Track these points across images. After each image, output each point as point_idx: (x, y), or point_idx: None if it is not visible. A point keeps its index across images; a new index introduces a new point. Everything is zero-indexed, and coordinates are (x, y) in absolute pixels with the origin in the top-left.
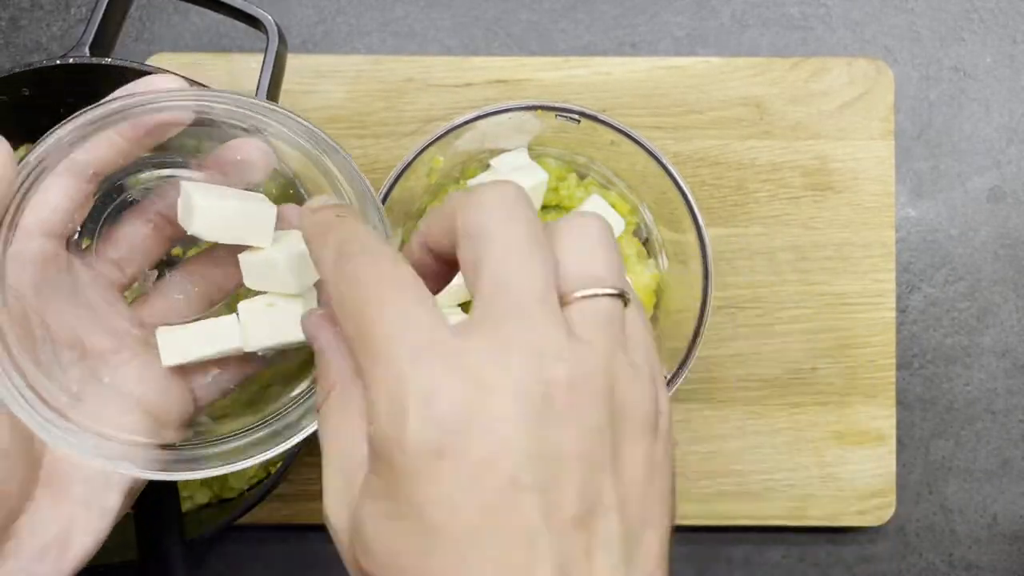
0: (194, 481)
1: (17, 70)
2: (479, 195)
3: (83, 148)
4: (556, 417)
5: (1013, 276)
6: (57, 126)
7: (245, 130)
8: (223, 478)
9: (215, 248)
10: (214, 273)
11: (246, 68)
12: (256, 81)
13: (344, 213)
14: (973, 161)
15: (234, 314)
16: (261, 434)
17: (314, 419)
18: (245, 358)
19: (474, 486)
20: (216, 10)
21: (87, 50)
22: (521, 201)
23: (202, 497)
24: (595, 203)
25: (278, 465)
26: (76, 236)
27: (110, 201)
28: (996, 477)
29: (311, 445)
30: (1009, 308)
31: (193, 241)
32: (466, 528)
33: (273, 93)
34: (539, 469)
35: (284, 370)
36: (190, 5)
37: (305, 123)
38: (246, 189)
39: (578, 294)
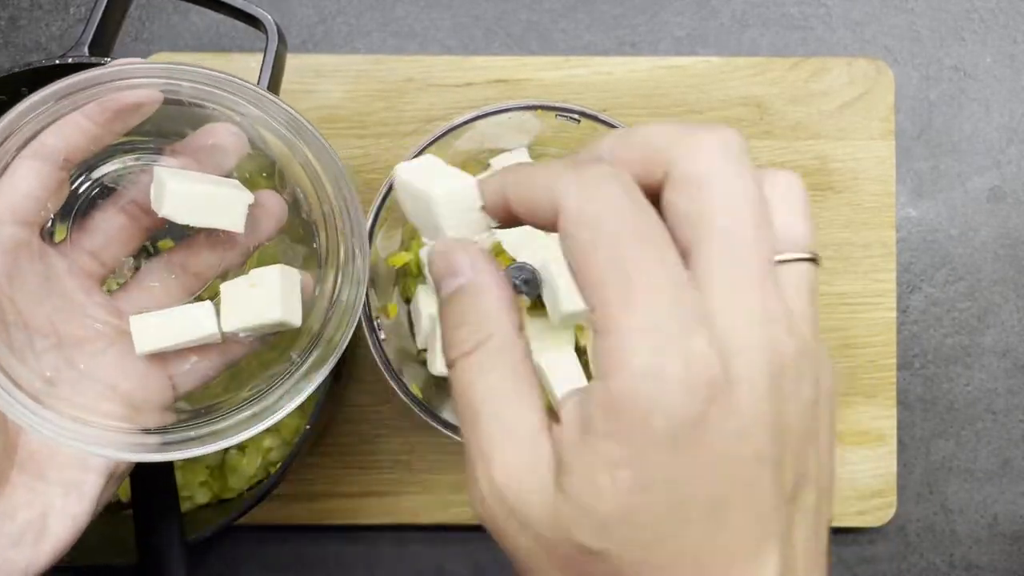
0: (194, 481)
1: (16, 70)
2: (701, 138)
3: (52, 133)
4: (786, 390)
5: (1013, 276)
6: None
7: (226, 112)
8: (223, 478)
9: (195, 238)
10: (194, 263)
11: (246, 68)
12: (256, 81)
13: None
14: (973, 161)
15: (208, 300)
16: (240, 416)
17: (292, 400)
18: (225, 345)
19: (728, 458)
20: (216, 10)
21: (86, 50)
22: (746, 153)
23: (202, 497)
24: None
25: (278, 465)
26: (50, 225)
27: (85, 190)
28: (997, 477)
29: (309, 445)
30: (1009, 308)
31: (180, 233)
32: (714, 501)
33: (273, 93)
34: (775, 442)
35: (261, 354)
36: (190, 5)
37: (272, 98)
38: (222, 175)
39: (783, 257)
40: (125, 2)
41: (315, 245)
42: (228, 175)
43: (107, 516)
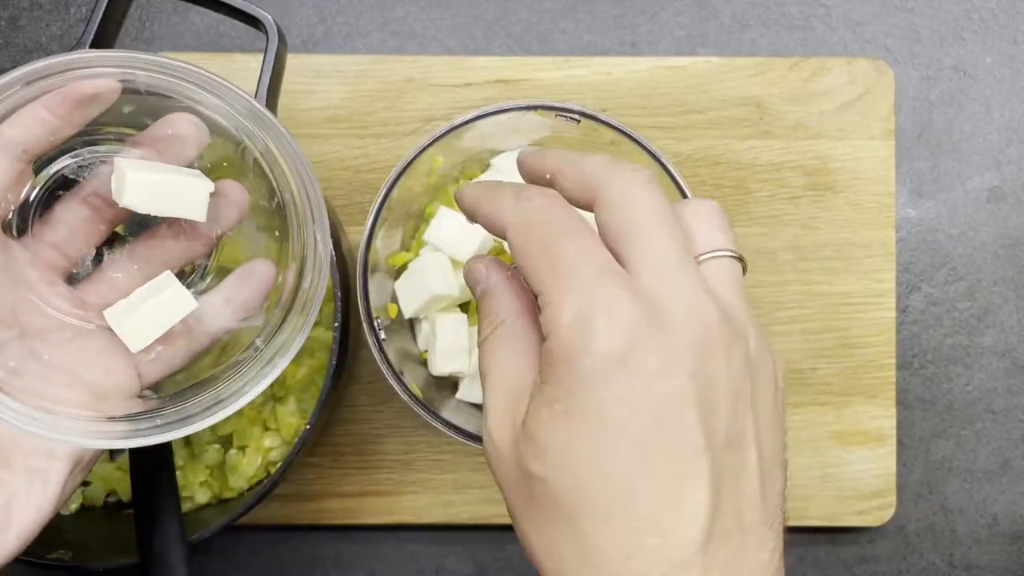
0: (194, 481)
1: None
2: (624, 170)
3: (11, 124)
4: (711, 350)
5: (1013, 276)
6: None
7: (186, 101)
8: (223, 478)
9: (158, 228)
10: (157, 253)
11: (246, 68)
12: (256, 81)
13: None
14: (973, 161)
15: (174, 279)
16: (206, 403)
17: (256, 386)
18: (190, 334)
19: (650, 392)
20: (216, 10)
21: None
22: (656, 183)
23: (202, 497)
24: None
25: (278, 465)
26: (11, 216)
27: (46, 182)
28: (996, 477)
29: (309, 445)
30: (1009, 308)
31: (143, 226)
32: (641, 433)
33: (273, 93)
34: (700, 390)
35: (225, 342)
36: (190, 5)
37: (231, 87)
38: (183, 165)
39: (707, 255)
40: (125, 2)
41: (278, 233)
42: (190, 165)
43: (107, 516)
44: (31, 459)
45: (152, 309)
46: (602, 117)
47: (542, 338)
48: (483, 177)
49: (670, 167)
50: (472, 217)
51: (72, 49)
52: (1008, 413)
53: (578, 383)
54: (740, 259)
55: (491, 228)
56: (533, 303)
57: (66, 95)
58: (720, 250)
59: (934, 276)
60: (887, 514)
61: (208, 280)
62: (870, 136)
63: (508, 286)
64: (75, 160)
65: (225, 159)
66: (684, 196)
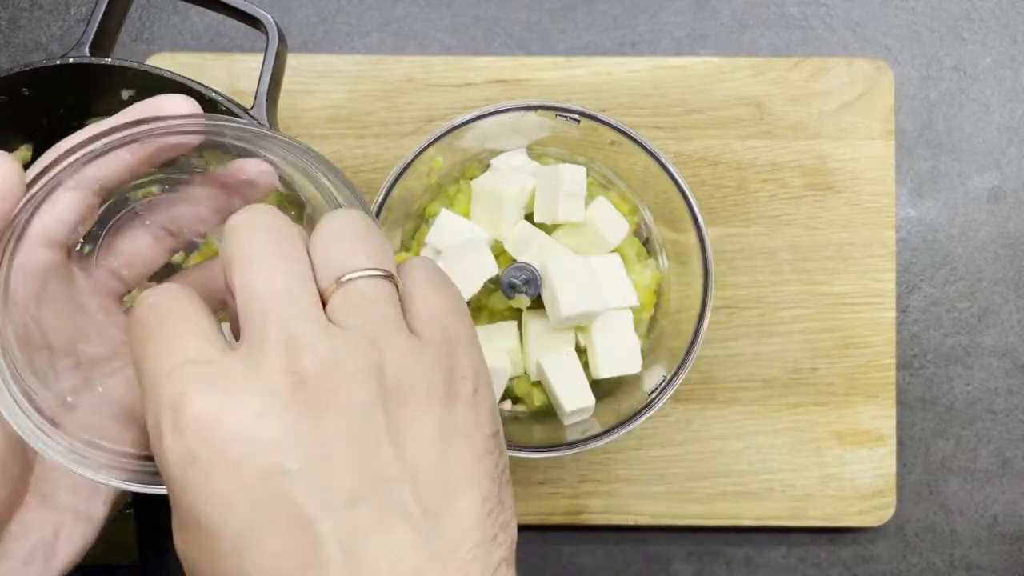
0: None
1: (17, 70)
2: (229, 223)
3: (93, 164)
4: (311, 404)
5: (1013, 276)
6: (69, 145)
7: (259, 151)
8: None
9: (213, 260)
10: (210, 283)
11: (246, 68)
12: (256, 81)
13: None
14: (973, 161)
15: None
16: None
17: None
18: None
19: (236, 483)
20: (216, 10)
21: (87, 50)
22: (262, 214)
23: None
24: (601, 205)
25: None
26: (79, 248)
27: (114, 212)
28: (996, 477)
29: None
30: (1009, 308)
31: (193, 247)
32: (241, 525)
33: (273, 93)
34: (303, 455)
35: None
36: (190, 5)
37: (307, 149)
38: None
39: (335, 282)
40: (125, 2)
41: None
42: None
43: None
44: (77, 494)
45: None
46: (602, 117)
47: None
48: (483, 177)
49: (670, 167)
50: None
51: (72, 49)
52: (1008, 413)
53: (173, 494)
54: (385, 275)
55: None
56: None
57: (148, 144)
58: (351, 272)
59: (934, 276)
60: (887, 514)
61: None
62: (870, 136)
63: None
64: (143, 194)
65: (292, 207)
66: (684, 196)
